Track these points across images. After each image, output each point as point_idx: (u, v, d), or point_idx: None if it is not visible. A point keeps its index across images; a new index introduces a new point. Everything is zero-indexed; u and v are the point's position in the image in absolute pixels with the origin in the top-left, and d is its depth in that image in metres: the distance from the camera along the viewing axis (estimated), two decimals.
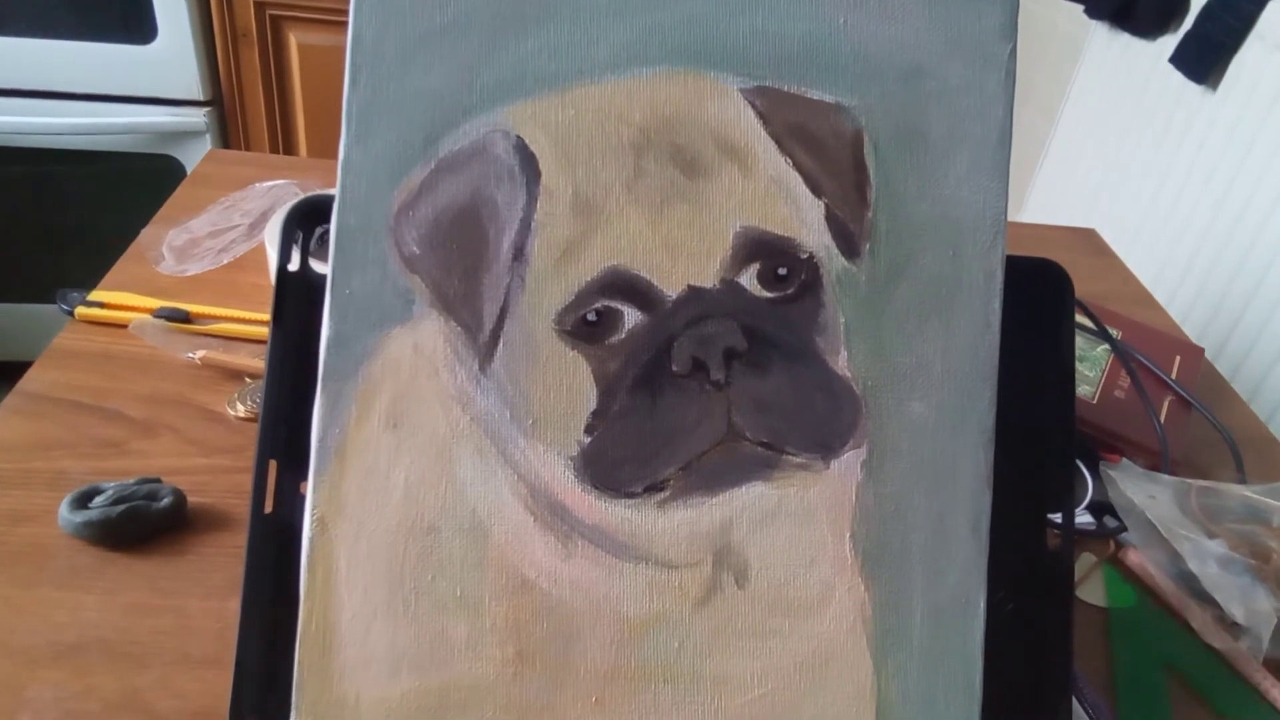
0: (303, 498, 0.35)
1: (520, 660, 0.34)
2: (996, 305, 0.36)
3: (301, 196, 0.66)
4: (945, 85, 0.36)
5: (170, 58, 1.49)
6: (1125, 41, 1.36)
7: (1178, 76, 1.23)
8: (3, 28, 1.42)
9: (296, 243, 0.37)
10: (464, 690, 0.34)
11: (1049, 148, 1.53)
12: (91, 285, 1.53)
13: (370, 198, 0.34)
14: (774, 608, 0.35)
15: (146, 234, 0.64)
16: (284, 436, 0.36)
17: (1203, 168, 1.19)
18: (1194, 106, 1.22)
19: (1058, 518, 0.39)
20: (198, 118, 1.55)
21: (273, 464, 0.36)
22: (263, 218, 0.65)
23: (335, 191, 0.34)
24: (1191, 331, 1.20)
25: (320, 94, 1.59)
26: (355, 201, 0.34)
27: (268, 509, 0.36)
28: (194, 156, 1.60)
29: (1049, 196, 1.53)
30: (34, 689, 0.38)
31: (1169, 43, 1.26)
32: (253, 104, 1.59)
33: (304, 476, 0.35)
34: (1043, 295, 0.39)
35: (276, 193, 0.68)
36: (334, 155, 0.35)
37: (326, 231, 0.35)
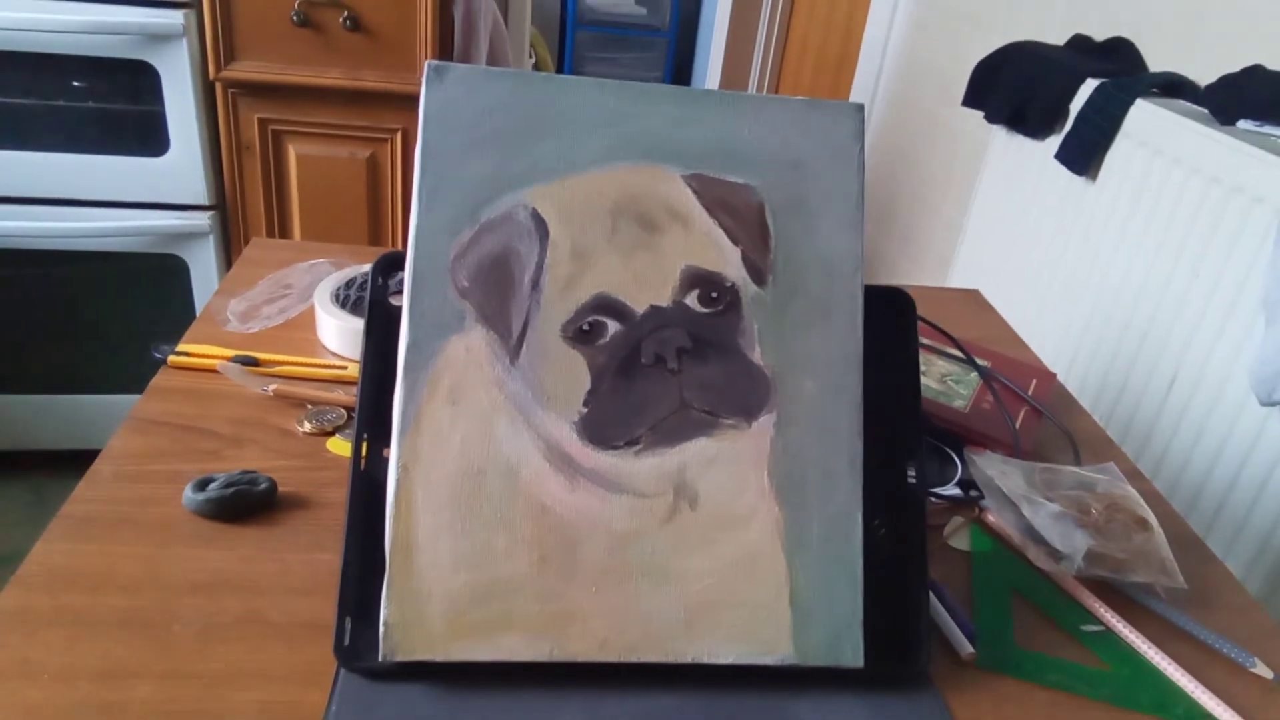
0: (384, 460, 0.50)
1: (542, 562, 0.49)
2: (859, 316, 0.53)
3: (346, 269, 0.82)
4: (817, 171, 0.53)
5: (180, 168, 1.66)
6: (1020, 142, 1.58)
7: (1063, 170, 1.44)
8: (33, 143, 1.59)
9: (380, 284, 0.53)
10: (503, 583, 0.48)
11: (965, 231, 1.75)
12: (101, 377, 1.68)
13: (435, 249, 0.50)
14: (716, 524, 0.50)
15: (214, 302, 0.79)
16: (372, 416, 0.52)
17: (1084, 244, 1.39)
18: (1078, 195, 1.43)
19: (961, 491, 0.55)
20: (202, 220, 1.71)
21: (365, 436, 0.51)
22: (309, 288, 0.81)
23: (409, 246, 0.51)
24: (1063, 370, 1.39)
25: (314, 197, 1.75)
26: (425, 252, 0.50)
27: (362, 467, 0.51)
28: (197, 255, 1.75)
29: (966, 272, 1.73)
30: (180, 610, 0.51)
31: (1055, 142, 1.47)
32: (253, 207, 1.75)
33: (385, 445, 0.50)
34: (895, 311, 0.56)
35: (316, 269, 0.84)
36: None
37: (401, 277, 0.51)
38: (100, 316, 1.75)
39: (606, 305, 0.50)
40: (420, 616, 0.48)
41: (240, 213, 1.75)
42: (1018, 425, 0.74)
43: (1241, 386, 1.10)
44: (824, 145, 0.53)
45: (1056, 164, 1.43)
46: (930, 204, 2.17)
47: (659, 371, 0.50)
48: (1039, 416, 0.76)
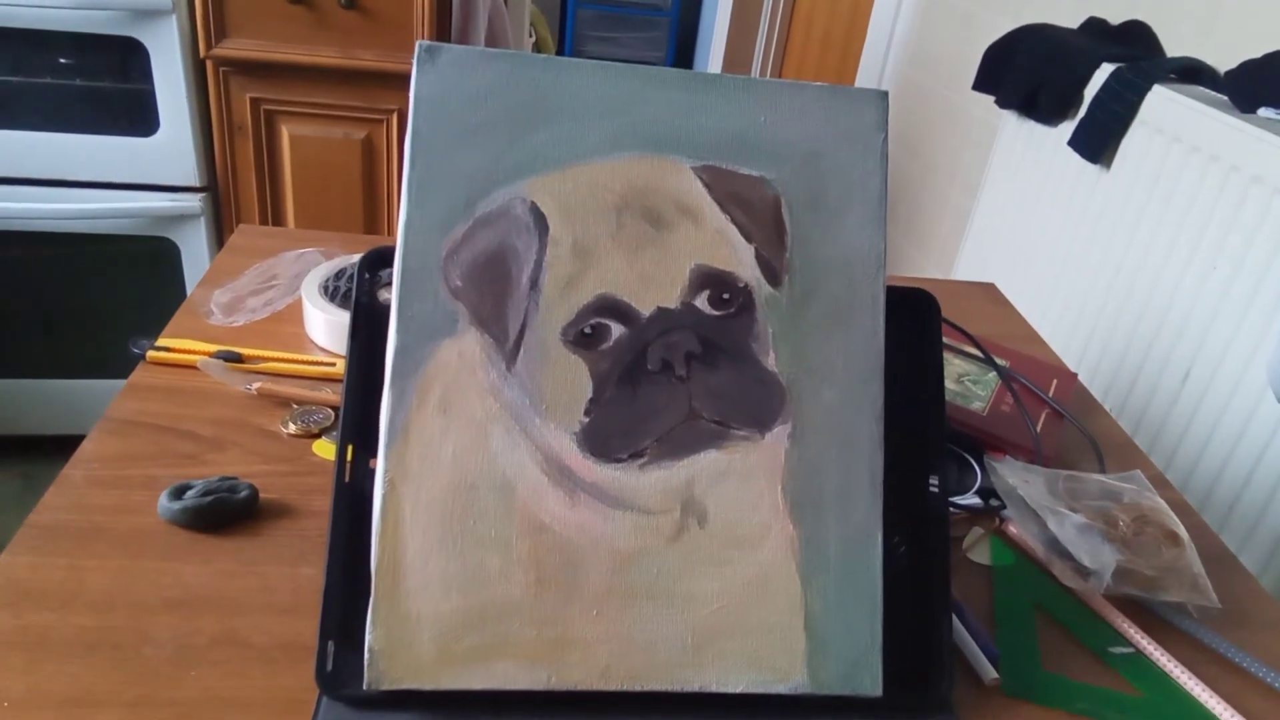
0: (370, 471, 0.47)
1: (539, 584, 0.45)
2: (881, 319, 0.49)
3: (336, 259, 0.78)
4: (838, 163, 0.49)
5: (171, 148, 1.62)
6: (1031, 128, 1.54)
7: (1076, 157, 1.40)
8: (19, 122, 1.55)
9: (367, 281, 0.50)
10: (498, 607, 0.45)
11: (973, 220, 1.71)
12: (92, 362, 1.64)
13: (425, 246, 0.47)
14: (727, 543, 0.47)
15: (197, 294, 0.76)
16: (357, 426, 0.48)
17: (1096, 234, 1.36)
18: (1090, 183, 1.39)
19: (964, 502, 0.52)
20: (193, 203, 1.67)
21: (349, 446, 0.48)
22: (297, 278, 0.77)
23: (397, 243, 0.47)
24: (1074, 364, 1.36)
25: (308, 179, 1.71)
26: (414, 249, 0.47)
27: (346, 479, 0.48)
28: (188, 238, 1.71)
29: (973, 261, 1.70)
30: (153, 630, 0.48)
31: (1068, 129, 1.43)
32: (245, 189, 1.71)
33: (371, 455, 0.47)
34: (918, 313, 0.53)
35: (305, 259, 0.80)
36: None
37: (390, 272, 0.48)
38: (90, 299, 1.72)
39: (610, 307, 0.47)
40: (408, 642, 0.44)
41: (232, 195, 1.71)
42: (1039, 429, 0.70)
43: (1258, 381, 1.07)
44: (845, 135, 0.50)
45: (1069, 151, 1.40)
46: (938, 191, 2.12)
47: (666, 378, 0.47)
48: (1060, 420, 0.73)
